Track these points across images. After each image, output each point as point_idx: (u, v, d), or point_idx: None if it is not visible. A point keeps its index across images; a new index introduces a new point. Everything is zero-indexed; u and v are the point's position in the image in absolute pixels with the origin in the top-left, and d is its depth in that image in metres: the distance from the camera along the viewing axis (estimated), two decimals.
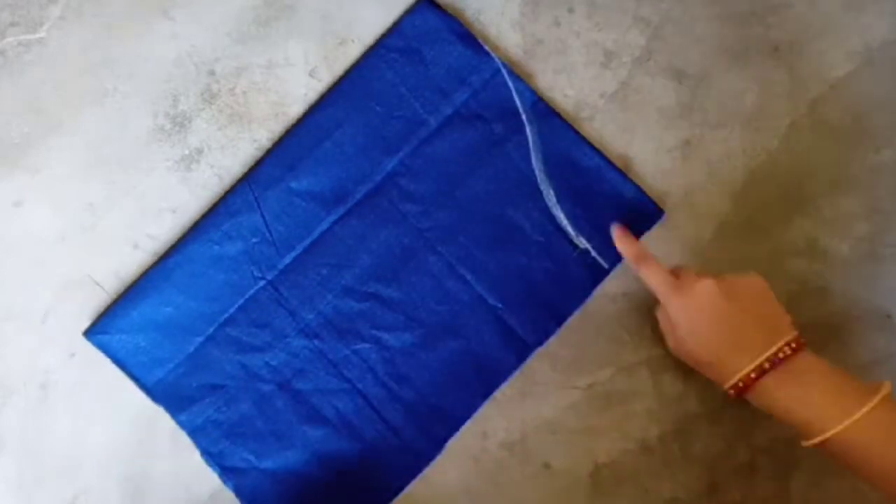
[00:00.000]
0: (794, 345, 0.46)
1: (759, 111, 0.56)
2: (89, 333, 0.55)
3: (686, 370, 0.54)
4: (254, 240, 0.55)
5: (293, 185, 0.55)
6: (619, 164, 0.56)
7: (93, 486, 0.55)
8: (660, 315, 0.52)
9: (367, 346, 0.55)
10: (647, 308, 0.55)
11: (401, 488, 0.54)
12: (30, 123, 0.57)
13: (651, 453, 0.54)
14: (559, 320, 0.54)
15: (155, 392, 0.54)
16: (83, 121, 0.57)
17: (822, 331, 0.54)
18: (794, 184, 0.56)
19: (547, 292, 0.55)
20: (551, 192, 0.55)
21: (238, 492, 0.54)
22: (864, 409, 0.42)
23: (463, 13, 0.57)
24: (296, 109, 0.57)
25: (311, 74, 0.57)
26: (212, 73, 0.57)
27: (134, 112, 0.57)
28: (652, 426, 0.54)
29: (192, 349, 0.55)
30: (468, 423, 0.54)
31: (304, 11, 0.58)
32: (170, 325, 0.55)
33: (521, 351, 0.54)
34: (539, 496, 0.54)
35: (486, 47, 0.56)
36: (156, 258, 0.56)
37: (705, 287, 0.47)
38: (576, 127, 0.56)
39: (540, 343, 0.54)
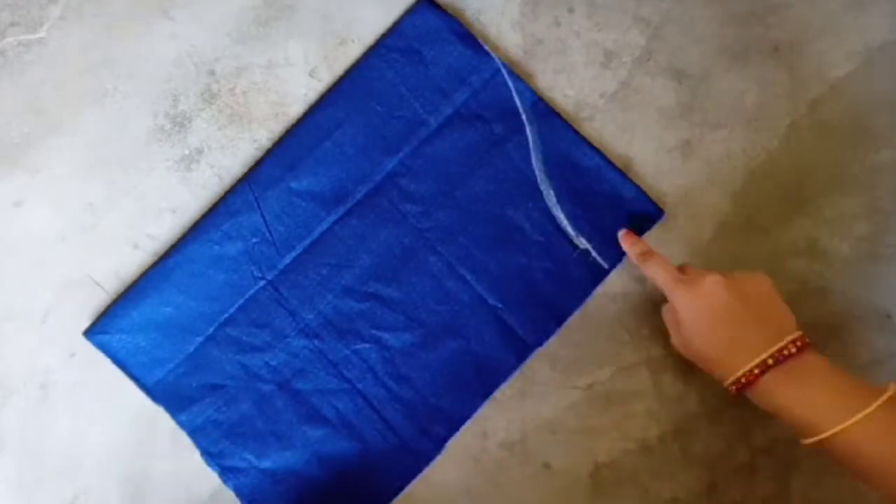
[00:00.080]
0: (798, 343, 0.46)
1: (759, 111, 0.56)
2: (89, 333, 0.55)
3: (686, 370, 0.54)
4: (254, 240, 0.55)
5: (293, 185, 0.55)
6: (619, 164, 0.56)
7: (93, 486, 0.55)
8: (665, 313, 0.52)
9: (367, 346, 0.55)
10: (647, 308, 0.55)
11: (401, 488, 0.54)
12: (30, 123, 0.57)
13: (651, 453, 0.54)
14: (559, 320, 0.54)
15: (155, 392, 0.54)
16: (83, 121, 0.57)
17: (822, 331, 0.54)
18: (794, 184, 0.56)
19: (547, 292, 0.55)
20: (551, 192, 0.55)
21: (238, 492, 0.54)
22: (868, 410, 0.42)
23: (463, 13, 0.57)
24: (296, 109, 0.57)
25: (311, 74, 0.57)
26: (212, 73, 0.57)
27: (134, 112, 0.57)
28: (652, 426, 0.54)
29: (192, 349, 0.55)
30: (468, 423, 0.54)
31: (304, 11, 0.58)
32: (170, 325, 0.55)
33: (521, 351, 0.54)
34: (539, 496, 0.54)
35: (486, 47, 0.56)
36: (156, 258, 0.56)
37: (712, 282, 0.47)
38: (576, 127, 0.56)
39: (540, 343, 0.54)
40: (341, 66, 0.57)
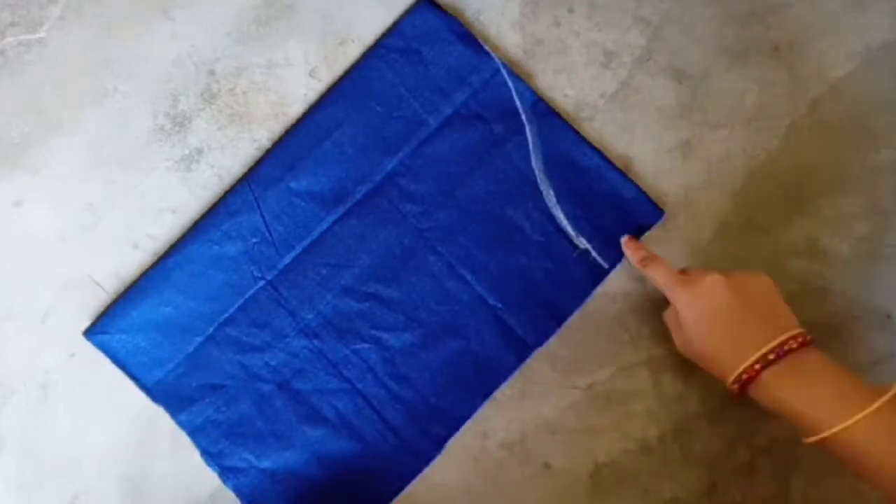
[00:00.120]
0: (800, 339, 0.46)
1: (759, 111, 0.56)
2: (89, 333, 0.55)
3: (686, 370, 0.54)
4: (253, 240, 0.55)
5: (293, 185, 0.55)
6: (619, 164, 0.56)
7: (93, 486, 0.55)
8: (667, 315, 0.52)
9: (366, 346, 0.55)
10: (647, 308, 0.55)
11: (401, 488, 0.54)
12: (30, 123, 0.57)
13: (651, 453, 0.54)
14: (559, 320, 0.54)
15: (155, 392, 0.54)
16: (83, 121, 0.57)
17: (822, 331, 0.53)
18: (794, 184, 0.56)
19: (547, 292, 0.55)
20: (551, 192, 0.55)
21: (238, 491, 0.54)
22: (869, 409, 0.42)
23: (463, 13, 0.57)
24: (296, 109, 0.57)
25: (311, 74, 0.57)
26: (212, 73, 0.57)
27: (134, 112, 0.57)
28: (652, 426, 0.54)
29: (191, 349, 0.55)
30: (468, 423, 0.54)
31: (304, 11, 0.58)
32: (170, 325, 0.55)
33: (521, 351, 0.54)
34: (539, 496, 0.54)
35: (486, 47, 0.56)
36: (156, 258, 0.56)
37: (713, 281, 0.47)
38: (576, 127, 0.56)
39: (540, 343, 0.54)
40: (341, 66, 0.57)
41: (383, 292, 0.55)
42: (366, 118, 0.56)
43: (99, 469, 0.55)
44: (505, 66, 0.56)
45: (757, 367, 0.46)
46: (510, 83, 0.56)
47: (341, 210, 0.55)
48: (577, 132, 0.56)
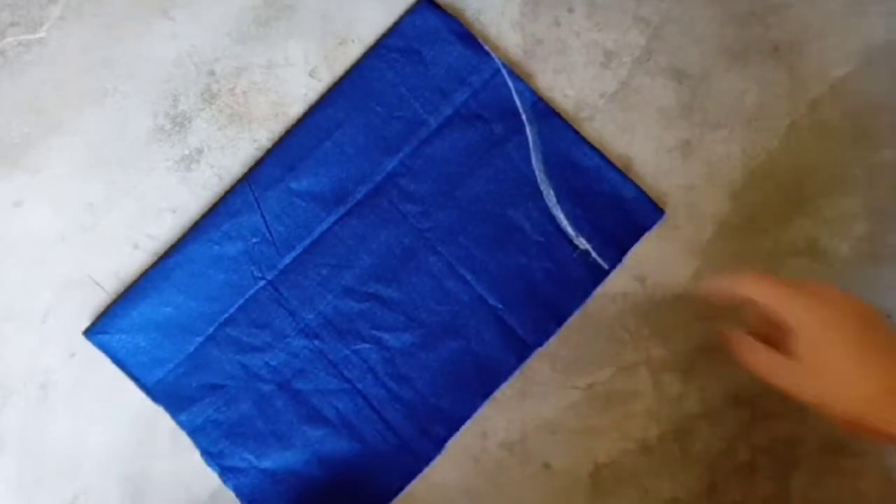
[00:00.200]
0: None
1: (759, 111, 0.56)
2: (89, 333, 0.55)
3: (686, 370, 0.54)
4: (254, 240, 0.55)
5: (293, 185, 0.55)
6: (619, 164, 0.56)
7: (93, 486, 0.55)
8: (752, 349, 0.42)
9: (367, 346, 0.55)
10: (647, 308, 0.55)
11: (401, 488, 0.54)
12: (30, 123, 0.57)
13: (651, 453, 0.54)
14: (559, 320, 0.54)
15: (155, 392, 0.54)
16: (83, 121, 0.57)
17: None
18: (794, 184, 0.56)
19: (547, 292, 0.55)
20: (551, 192, 0.55)
21: (238, 492, 0.54)
22: None
23: (463, 13, 0.57)
24: (296, 109, 0.57)
25: (311, 74, 0.57)
26: (212, 73, 0.57)
27: (134, 112, 0.57)
28: (652, 426, 0.54)
29: (191, 349, 0.55)
30: (468, 423, 0.54)
31: (304, 11, 0.58)
32: (170, 325, 0.55)
33: (521, 351, 0.54)
34: (539, 496, 0.54)
35: (486, 47, 0.56)
36: (156, 258, 0.56)
37: (847, 296, 0.38)
38: (576, 127, 0.56)
39: (540, 343, 0.54)
40: (341, 66, 0.57)
41: (383, 292, 0.55)
42: (366, 118, 0.56)
43: (99, 469, 0.55)
44: (505, 66, 0.56)
45: None
46: (510, 83, 0.56)
47: (342, 210, 0.55)
48: (577, 132, 0.56)
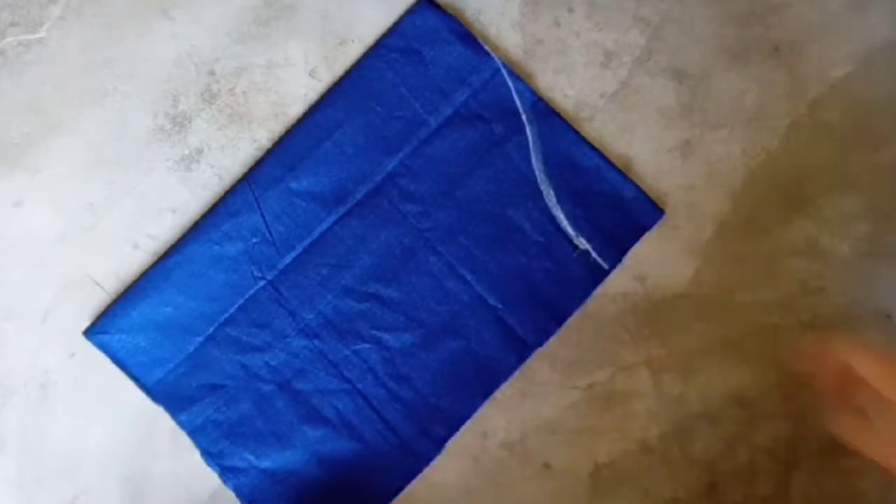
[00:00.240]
0: None
1: (759, 111, 0.56)
2: (89, 333, 0.55)
3: (686, 370, 0.54)
4: (254, 240, 0.55)
5: (293, 185, 0.55)
6: (619, 164, 0.56)
7: (93, 486, 0.55)
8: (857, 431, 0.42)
9: (367, 346, 0.55)
10: (647, 308, 0.55)
11: (401, 488, 0.54)
12: (30, 123, 0.57)
13: (651, 453, 0.54)
14: (559, 320, 0.54)
15: (155, 392, 0.54)
16: (83, 121, 0.57)
17: (822, 331, 0.54)
18: (794, 184, 0.56)
19: (547, 292, 0.55)
20: (551, 192, 0.55)
21: (238, 492, 0.54)
22: None
23: (463, 13, 0.57)
24: (296, 109, 0.57)
25: (311, 74, 0.57)
26: (212, 73, 0.57)
27: (134, 112, 0.57)
28: (652, 426, 0.54)
29: (192, 349, 0.55)
30: (468, 423, 0.54)
31: (304, 11, 0.57)
32: (170, 325, 0.55)
33: (521, 351, 0.54)
34: (539, 496, 0.54)
35: (486, 47, 0.56)
36: (156, 258, 0.56)
37: None
38: (576, 127, 0.56)
39: (540, 343, 0.54)
40: (341, 66, 0.57)
41: (383, 292, 0.55)
42: (366, 118, 0.56)
43: (99, 469, 0.55)
44: (505, 66, 0.56)
45: None
46: (510, 83, 0.56)
47: (342, 210, 0.55)
48: (577, 132, 0.56)
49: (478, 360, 0.54)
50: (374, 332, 0.55)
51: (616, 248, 0.55)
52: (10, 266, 0.56)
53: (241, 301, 0.55)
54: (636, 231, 0.55)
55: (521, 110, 0.56)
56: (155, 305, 0.55)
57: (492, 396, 0.54)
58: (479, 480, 0.55)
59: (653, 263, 0.55)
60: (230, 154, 0.57)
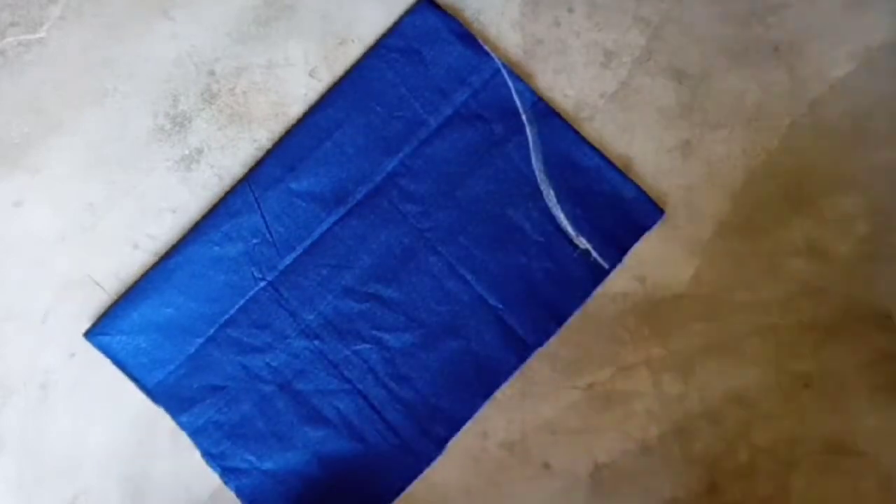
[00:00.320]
0: None
1: (759, 111, 0.56)
2: (90, 335, 0.55)
3: (686, 370, 0.54)
4: (254, 240, 0.55)
5: (293, 185, 0.55)
6: (619, 164, 0.56)
7: (93, 486, 0.55)
8: None
9: (367, 346, 0.55)
10: (647, 308, 0.55)
11: (402, 489, 0.54)
12: (30, 123, 0.57)
13: (651, 453, 0.54)
14: (559, 320, 0.54)
15: (155, 393, 0.54)
16: (83, 121, 0.57)
17: (822, 331, 0.54)
18: (794, 184, 0.56)
19: (547, 292, 0.55)
20: (551, 192, 0.55)
21: (240, 493, 0.54)
22: None
23: (463, 13, 0.57)
24: (296, 109, 0.57)
25: (311, 74, 0.57)
26: (212, 73, 0.57)
27: (134, 112, 0.57)
28: (652, 426, 0.54)
29: (192, 350, 0.55)
30: (468, 423, 0.54)
31: (304, 11, 0.57)
32: (170, 327, 0.55)
33: (521, 351, 0.54)
34: (539, 496, 0.54)
35: (486, 47, 0.56)
36: (156, 258, 0.56)
37: None
38: (576, 127, 0.56)
39: (540, 343, 0.54)
40: (341, 66, 0.57)
41: (384, 293, 0.55)
42: (366, 118, 0.56)
43: (99, 469, 0.55)
44: (505, 66, 0.56)
45: None
46: (510, 83, 0.56)
47: (342, 210, 0.55)
48: (577, 132, 0.56)
49: (478, 360, 0.54)
50: (374, 332, 0.55)
51: (616, 247, 0.55)
52: (10, 266, 0.56)
53: (241, 302, 0.55)
54: (636, 231, 0.55)
55: (521, 110, 0.56)
56: (155, 306, 0.55)
57: (492, 396, 0.54)
58: (479, 480, 0.55)
59: (653, 263, 0.55)
60: (230, 154, 0.57)
